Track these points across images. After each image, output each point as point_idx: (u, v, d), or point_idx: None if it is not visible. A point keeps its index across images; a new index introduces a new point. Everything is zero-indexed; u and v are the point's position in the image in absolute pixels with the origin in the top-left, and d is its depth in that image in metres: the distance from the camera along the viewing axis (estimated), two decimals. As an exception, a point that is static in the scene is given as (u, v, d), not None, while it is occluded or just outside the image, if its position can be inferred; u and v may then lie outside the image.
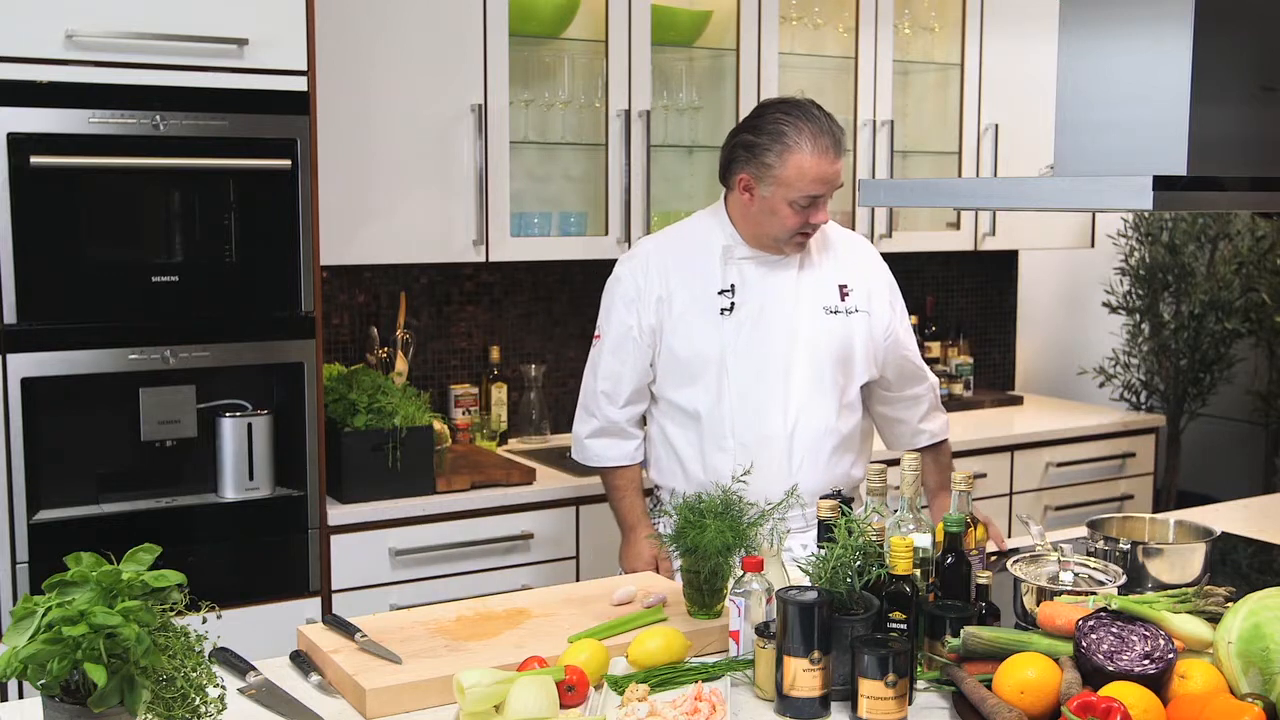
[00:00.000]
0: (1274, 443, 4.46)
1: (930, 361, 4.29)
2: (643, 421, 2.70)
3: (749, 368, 2.53)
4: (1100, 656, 1.67)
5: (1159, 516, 2.37)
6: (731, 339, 2.53)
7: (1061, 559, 2.07)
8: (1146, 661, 1.66)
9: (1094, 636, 1.70)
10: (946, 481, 2.69)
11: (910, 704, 1.71)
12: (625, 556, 2.66)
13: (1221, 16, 1.84)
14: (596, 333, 2.67)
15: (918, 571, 1.87)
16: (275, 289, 2.79)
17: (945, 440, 2.78)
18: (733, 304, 2.53)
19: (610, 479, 2.69)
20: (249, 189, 2.75)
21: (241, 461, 2.81)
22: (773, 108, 2.48)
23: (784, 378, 2.53)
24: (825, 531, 1.94)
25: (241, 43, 2.67)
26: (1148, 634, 1.69)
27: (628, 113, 3.46)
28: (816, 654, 1.67)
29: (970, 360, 4.38)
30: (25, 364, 2.55)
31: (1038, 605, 1.92)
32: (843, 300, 2.60)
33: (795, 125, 2.42)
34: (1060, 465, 3.97)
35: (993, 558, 2.35)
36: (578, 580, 3.14)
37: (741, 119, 3.68)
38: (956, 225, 4.15)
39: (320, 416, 2.85)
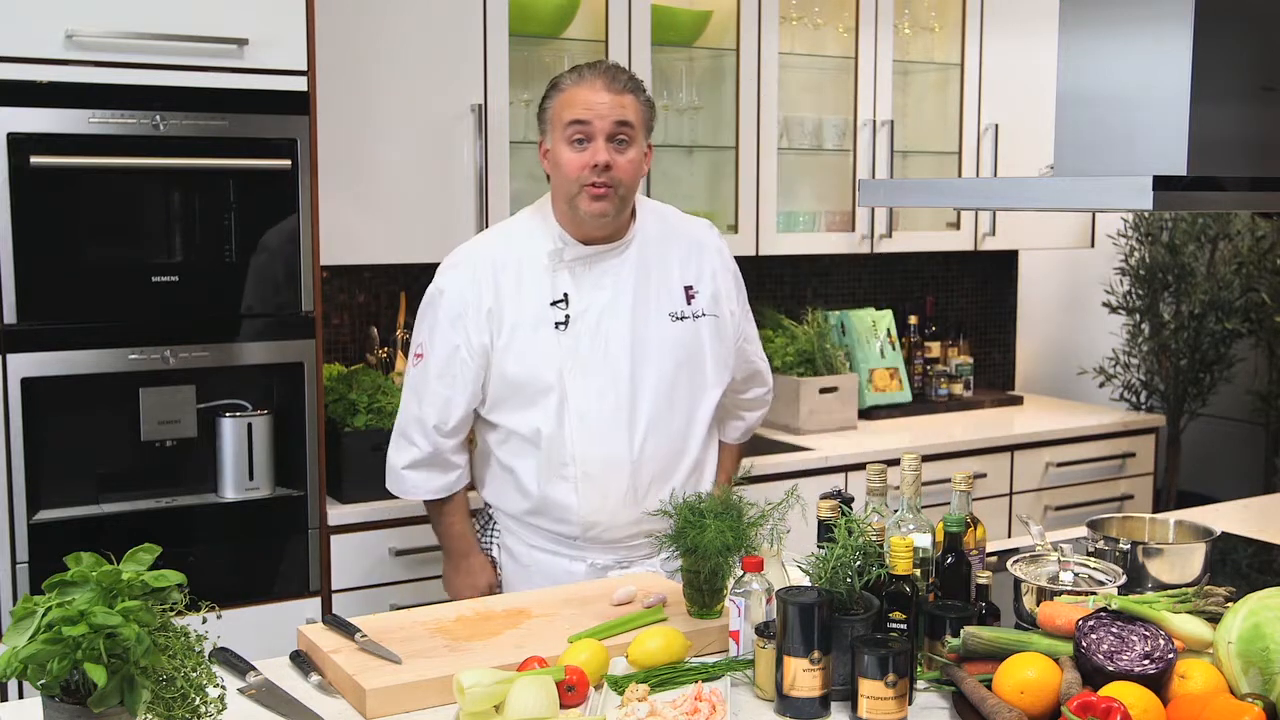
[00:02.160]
0: (1274, 443, 4.46)
1: (930, 361, 4.30)
2: (464, 447, 2.48)
3: (590, 387, 2.31)
4: (1100, 656, 1.67)
5: (1159, 516, 2.37)
6: (569, 356, 2.31)
7: (1061, 559, 2.07)
8: (1146, 661, 1.66)
9: (1094, 636, 1.70)
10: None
11: (910, 704, 1.71)
12: (453, 584, 2.49)
13: (1221, 16, 1.84)
14: (416, 351, 2.41)
15: (918, 571, 1.87)
16: (275, 289, 2.79)
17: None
18: (568, 316, 2.31)
19: (434, 505, 2.49)
20: (249, 189, 2.75)
21: (241, 461, 2.80)
22: None
23: (630, 396, 2.33)
24: (825, 531, 1.94)
25: (241, 43, 2.67)
26: (1148, 634, 1.69)
27: (628, 113, 3.46)
28: (816, 654, 1.67)
29: (970, 360, 4.38)
30: (25, 364, 2.55)
31: (1038, 605, 1.92)
32: (689, 304, 2.39)
33: (569, 72, 2.31)
34: (1060, 465, 3.96)
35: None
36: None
37: (740, 121, 3.70)
38: (956, 225, 4.15)
39: (320, 416, 2.85)
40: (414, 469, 2.45)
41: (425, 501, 2.52)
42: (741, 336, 2.51)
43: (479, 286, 2.33)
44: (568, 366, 2.31)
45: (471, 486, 2.53)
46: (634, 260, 2.36)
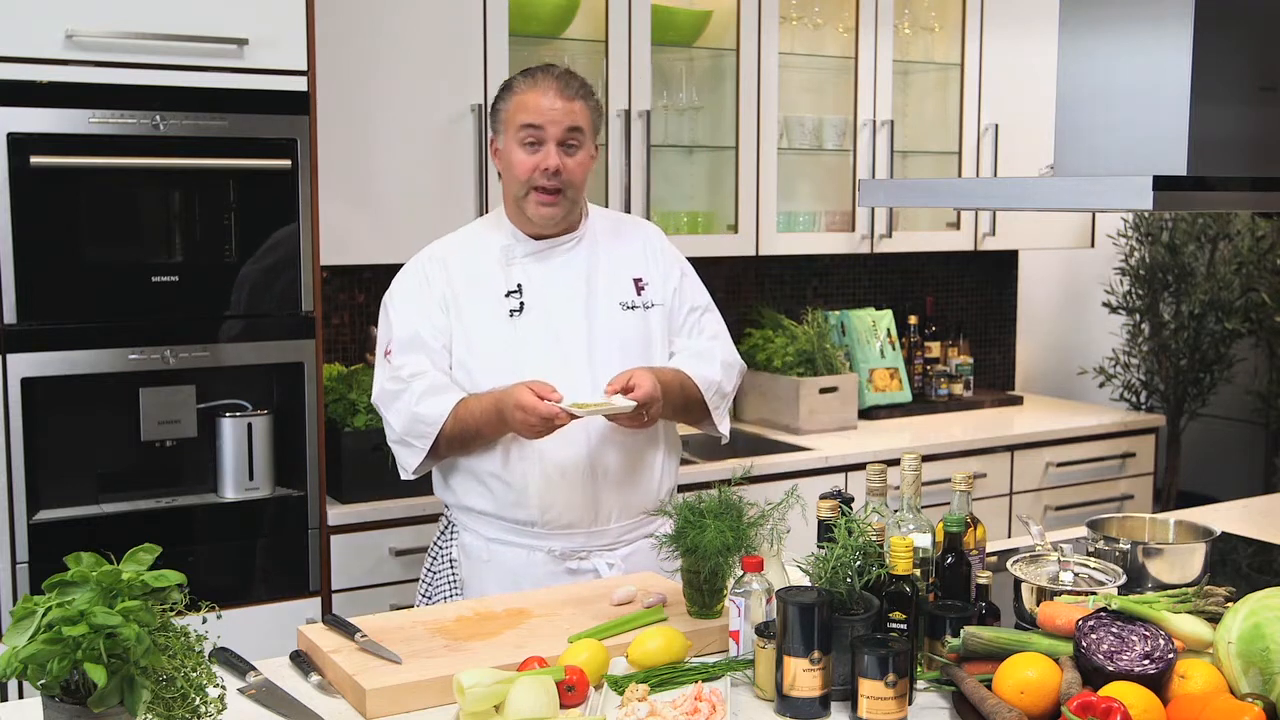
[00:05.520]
0: (1274, 443, 4.47)
1: (930, 361, 4.30)
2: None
3: (544, 371, 2.30)
4: (1100, 656, 1.67)
5: (1159, 516, 2.37)
6: (523, 341, 2.35)
7: (1061, 559, 2.07)
8: (1146, 661, 1.66)
9: (1094, 636, 1.70)
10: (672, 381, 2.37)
11: (910, 704, 1.71)
12: (511, 418, 2.24)
13: (1221, 16, 1.84)
14: (384, 349, 2.40)
15: (918, 571, 1.87)
16: (275, 289, 2.79)
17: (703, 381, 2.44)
18: (522, 304, 2.37)
19: (450, 419, 2.31)
20: (249, 189, 2.75)
21: (241, 461, 2.80)
22: None
23: (584, 381, 2.32)
24: (825, 531, 1.94)
25: (241, 43, 2.67)
26: (1148, 634, 1.69)
27: (628, 113, 3.46)
28: (816, 654, 1.67)
29: (970, 360, 4.38)
30: (25, 364, 2.55)
31: (1038, 605, 1.92)
32: (639, 294, 2.45)
33: (522, 74, 2.38)
34: (1060, 465, 3.97)
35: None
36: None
37: (740, 121, 3.70)
38: (956, 225, 4.15)
39: (320, 416, 2.85)
40: (421, 398, 2.32)
41: (443, 430, 2.33)
42: (684, 312, 2.48)
43: (433, 280, 2.40)
44: (521, 351, 2.35)
45: (429, 491, 2.48)
46: (585, 253, 2.43)
